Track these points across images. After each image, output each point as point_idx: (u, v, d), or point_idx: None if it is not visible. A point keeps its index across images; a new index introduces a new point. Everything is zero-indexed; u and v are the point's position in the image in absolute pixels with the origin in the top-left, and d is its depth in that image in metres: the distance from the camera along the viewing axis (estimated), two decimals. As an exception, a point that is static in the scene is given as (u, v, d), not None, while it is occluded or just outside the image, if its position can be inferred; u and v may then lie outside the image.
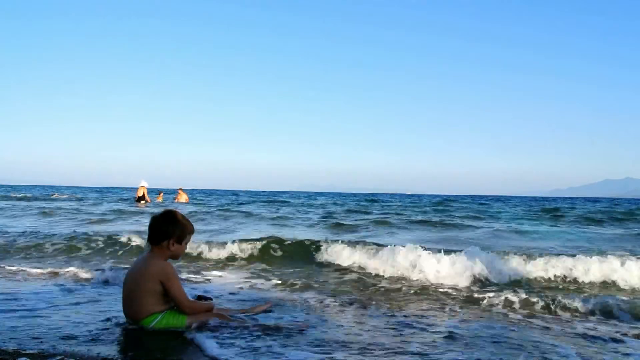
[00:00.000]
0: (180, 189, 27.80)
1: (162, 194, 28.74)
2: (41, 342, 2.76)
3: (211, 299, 3.39)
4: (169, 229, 3.09)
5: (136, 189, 26.08)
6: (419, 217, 15.91)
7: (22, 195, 34.35)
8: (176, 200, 27.45)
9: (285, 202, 32.37)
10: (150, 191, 27.68)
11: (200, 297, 3.40)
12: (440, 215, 17.59)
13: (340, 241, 6.93)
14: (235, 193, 70.32)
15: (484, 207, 28.55)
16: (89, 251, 7.27)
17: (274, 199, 37.78)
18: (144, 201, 25.01)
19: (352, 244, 6.86)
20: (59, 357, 2.50)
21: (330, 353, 2.72)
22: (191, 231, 3.21)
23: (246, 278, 5.38)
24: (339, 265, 6.30)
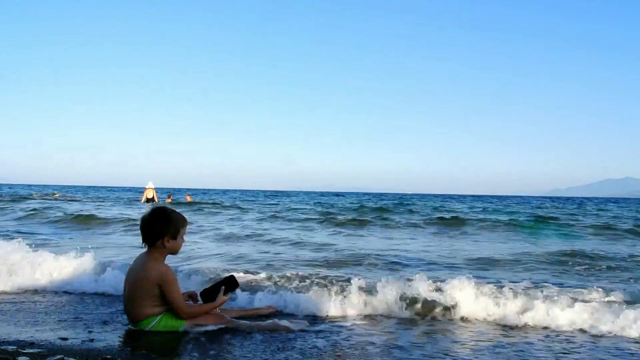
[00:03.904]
0: (188, 194, 29.24)
1: (171, 195, 29.40)
2: (41, 341, 2.76)
3: (234, 283, 3.20)
4: (161, 228, 3.01)
5: (141, 189, 27.05)
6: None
7: None
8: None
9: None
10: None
11: (205, 292, 3.21)
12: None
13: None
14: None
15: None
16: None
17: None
18: (153, 202, 25.61)
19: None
20: (59, 357, 2.50)
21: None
22: (184, 224, 3.12)
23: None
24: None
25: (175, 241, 3.07)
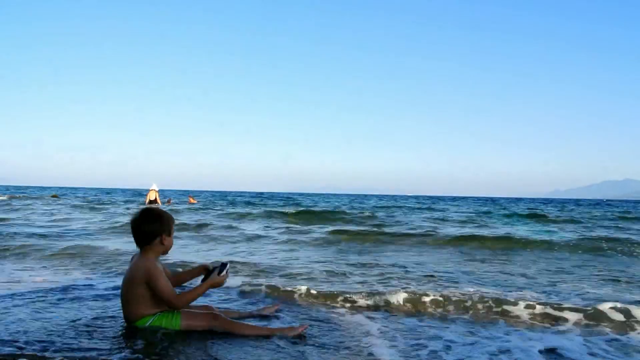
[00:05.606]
0: (190, 196, 29.48)
1: (170, 200, 29.60)
2: (41, 342, 2.78)
3: (225, 265, 3.20)
4: (156, 227, 3.05)
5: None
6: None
7: None
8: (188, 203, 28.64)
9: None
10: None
11: (205, 268, 3.24)
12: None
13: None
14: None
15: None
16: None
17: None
18: (155, 204, 25.55)
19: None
20: (59, 357, 2.52)
21: None
22: (174, 222, 3.19)
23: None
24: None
25: (170, 238, 3.12)
